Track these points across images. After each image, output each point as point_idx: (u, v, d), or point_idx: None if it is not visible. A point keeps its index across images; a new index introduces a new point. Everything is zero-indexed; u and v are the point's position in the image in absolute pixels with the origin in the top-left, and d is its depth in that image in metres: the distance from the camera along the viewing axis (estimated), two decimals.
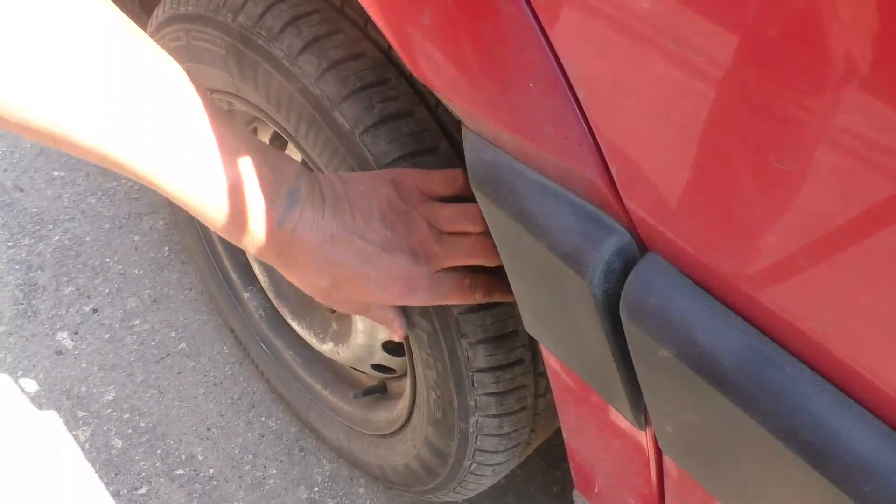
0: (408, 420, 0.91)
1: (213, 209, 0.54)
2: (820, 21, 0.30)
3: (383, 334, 0.91)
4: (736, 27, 0.33)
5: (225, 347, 1.31)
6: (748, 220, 0.37)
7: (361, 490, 1.16)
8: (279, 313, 1.14)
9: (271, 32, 0.72)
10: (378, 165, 0.67)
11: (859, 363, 0.36)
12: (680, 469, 0.52)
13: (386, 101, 0.68)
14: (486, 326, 0.70)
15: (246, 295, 1.18)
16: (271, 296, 1.12)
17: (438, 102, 0.68)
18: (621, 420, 0.55)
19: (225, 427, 1.22)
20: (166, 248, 1.45)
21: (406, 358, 0.90)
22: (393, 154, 0.67)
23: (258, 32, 0.73)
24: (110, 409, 1.23)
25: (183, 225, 1.19)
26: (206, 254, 1.18)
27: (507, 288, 0.60)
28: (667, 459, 0.53)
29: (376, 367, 0.99)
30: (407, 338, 0.79)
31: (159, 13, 0.88)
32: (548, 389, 0.76)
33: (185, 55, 0.85)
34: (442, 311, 0.70)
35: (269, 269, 1.09)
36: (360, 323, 0.91)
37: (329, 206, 0.59)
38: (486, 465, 0.84)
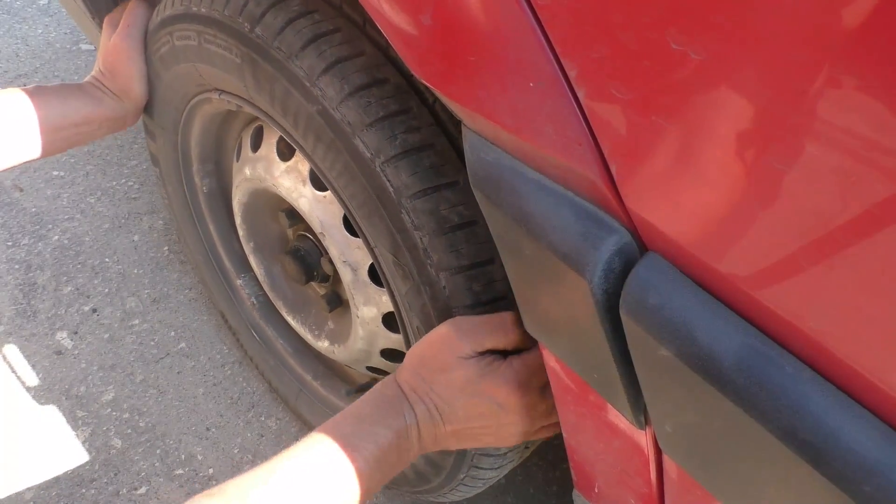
0: None
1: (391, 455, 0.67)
2: (818, 21, 0.30)
3: (382, 342, 0.91)
4: (735, 27, 0.33)
5: (224, 347, 1.31)
6: (748, 220, 0.37)
7: None
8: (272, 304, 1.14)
9: (291, 49, 0.70)
10: (398, 197, 0.67)
11: (859, 363, 0.36)
12: (680, 468, 0.52)
13: (408, 131, 0.67)
14: None
15: (239, 282, 1.18)
16: (266, 288, 1.11)
17: (459, 133, 0.68)
18: (621, 420, 0.55)
19: (224, 427, 1.22)
20: (165, 247, 1.45)
21: None
22: (414, 187, 0.67)
23: (277, 47, 0.71)
24: (110, 409, 1.23)
25: (178, 215, 1.18)
26: (202, 243, 1.18)
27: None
28: (666, 459, 0.53)
29: (371, 368, 0.99)
30: (407, 341, 0.79)
31: (166, 6, 0.87)
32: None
33: (195, 57, 0.84)
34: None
35: (264, 262, 1.09)
36: (360, 329, 0.91)
37: (430, 428, 0.69)
38: (480, 479, 0.84)
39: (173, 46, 0.88)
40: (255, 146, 0.94)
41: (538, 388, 0.68)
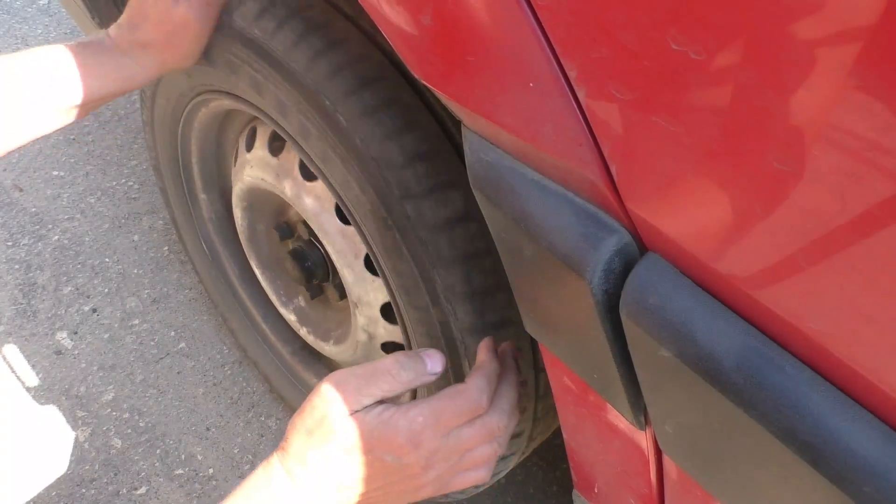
0: None
1: None
2: (819, 20, 0.30)
3: (369, 355, 0.91)
4: (736, 27, 0.33)
5: (224, 347, 1.31)
6: (748, 220, 0.37)
7: None
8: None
9: (421, 216, 0.66)
10: (465, 354, 0.69)
11: (859, 363, 0.36)
12: (679, 469, 0.52)
13: (497, 308, 0.68)
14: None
15: (203, 196, 1.13)
16: (242, 237, 1.07)
17: None
18: (621, 420, 0.55)
19: (224, 427, 1.22)
20: (165, 247, 1.45)
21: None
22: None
23: (404, 213, 0.67)
24: (110, 409, 1.23)
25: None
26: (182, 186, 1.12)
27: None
28: (666, 459, 0.53)
29: None
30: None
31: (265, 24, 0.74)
32: (548, 390, 0.76)
33: (276, 109, 0.76)
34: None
35: (250, 218, 1.05)
36: (352, 349, 0.91)
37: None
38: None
39: (250, 74, 0.77)
40: (277, 152, 0.89)
41: (442, 434, 0.61)
